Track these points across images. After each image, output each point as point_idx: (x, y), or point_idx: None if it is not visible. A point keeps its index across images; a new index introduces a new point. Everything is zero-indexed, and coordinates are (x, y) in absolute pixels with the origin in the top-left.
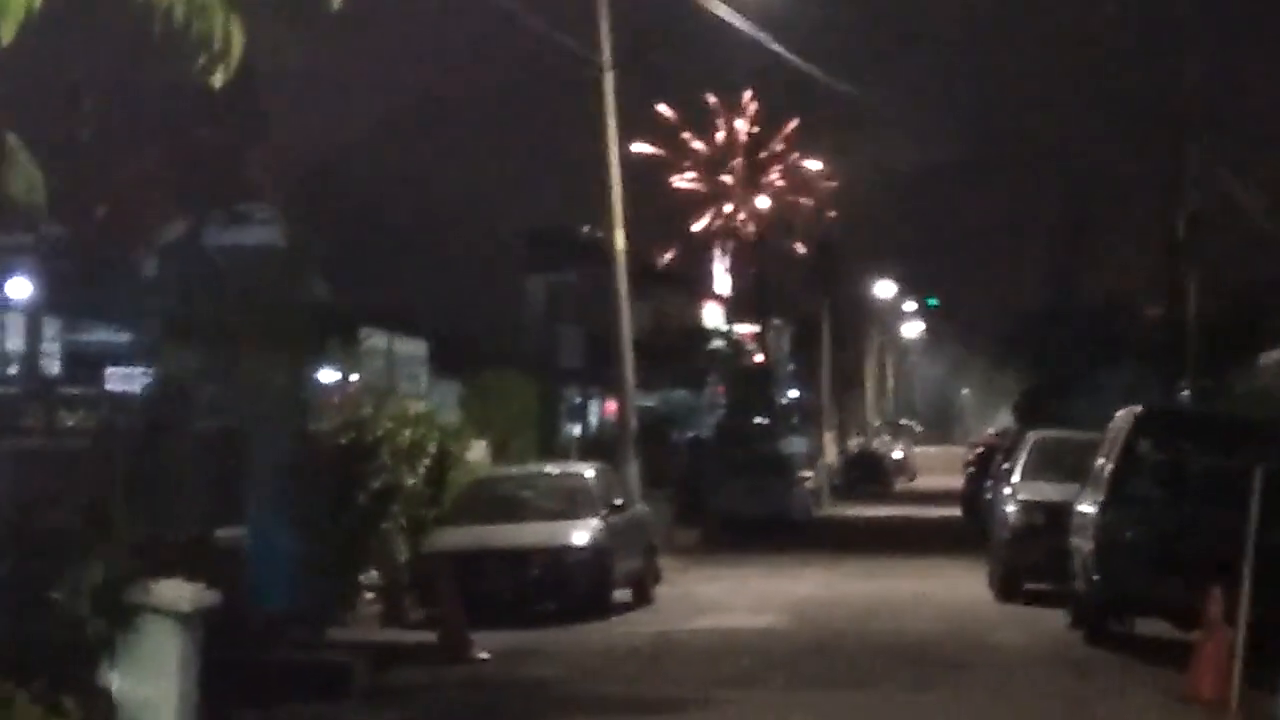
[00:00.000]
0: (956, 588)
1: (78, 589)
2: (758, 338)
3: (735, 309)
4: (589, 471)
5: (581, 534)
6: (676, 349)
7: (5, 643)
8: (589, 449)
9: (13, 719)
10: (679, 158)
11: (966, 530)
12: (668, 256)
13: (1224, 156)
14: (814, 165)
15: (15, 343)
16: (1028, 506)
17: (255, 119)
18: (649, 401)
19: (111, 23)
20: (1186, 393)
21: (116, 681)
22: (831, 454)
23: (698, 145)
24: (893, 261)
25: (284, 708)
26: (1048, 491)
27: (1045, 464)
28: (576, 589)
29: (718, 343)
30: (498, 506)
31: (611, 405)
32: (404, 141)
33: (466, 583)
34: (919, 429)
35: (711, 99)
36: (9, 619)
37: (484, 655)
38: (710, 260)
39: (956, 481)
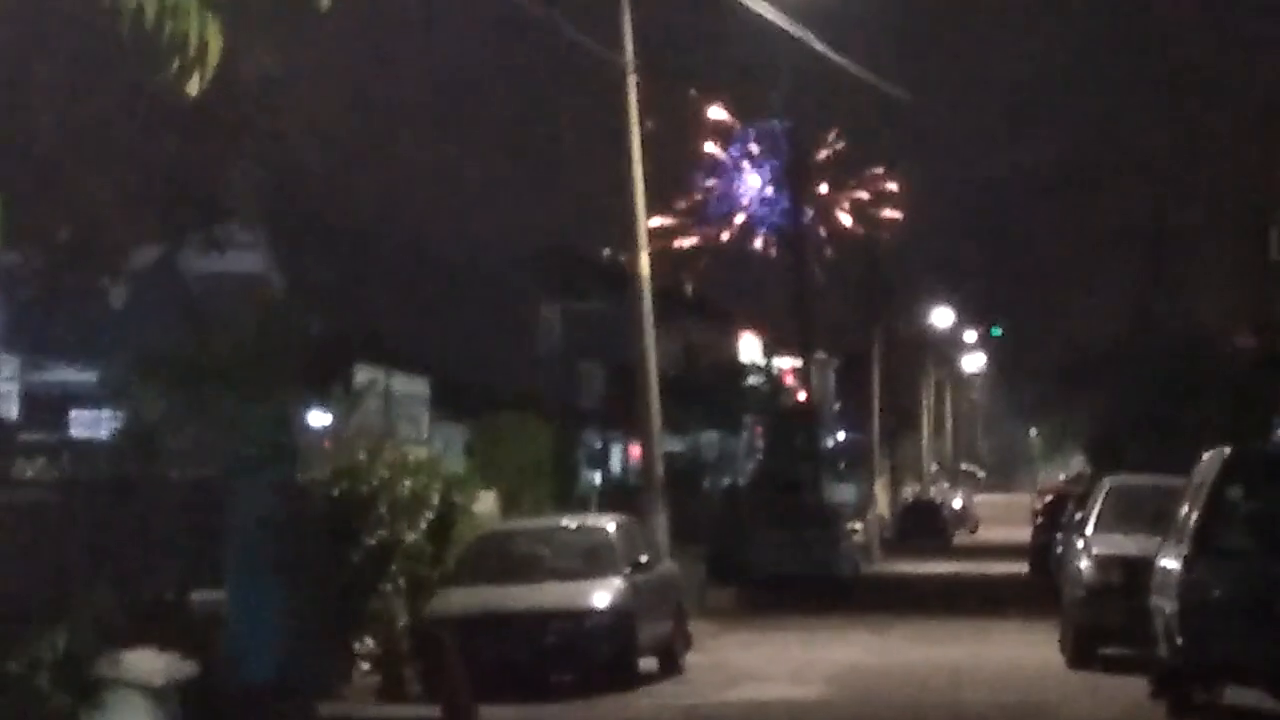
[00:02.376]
0: (1023, 653)
1: (38, 660)
2: (800, 373)
3: (775, 341)
4: (611, 525)
5: (603, 595)
6: (709, 386)
7: None
8: (611, 499)
9: None
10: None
11: (1035, 588)
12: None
13: None
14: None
15: None
16: (1103, 562)
17: (237, 131)
18: (678, 445)
19: (74, 25)
20: None
21: None
22: (883, 503)
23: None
24: (951, 286)
25: None
26: (1126, 545)
27: (1123, 514)
28: (597, 657)
29: (755, 379)
30: (509, 565)
31: (636, 450)
32: (405, 155)
33: (474, 651)
34: (981, 475)
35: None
36: None
37: None
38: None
39: (1023, 534)
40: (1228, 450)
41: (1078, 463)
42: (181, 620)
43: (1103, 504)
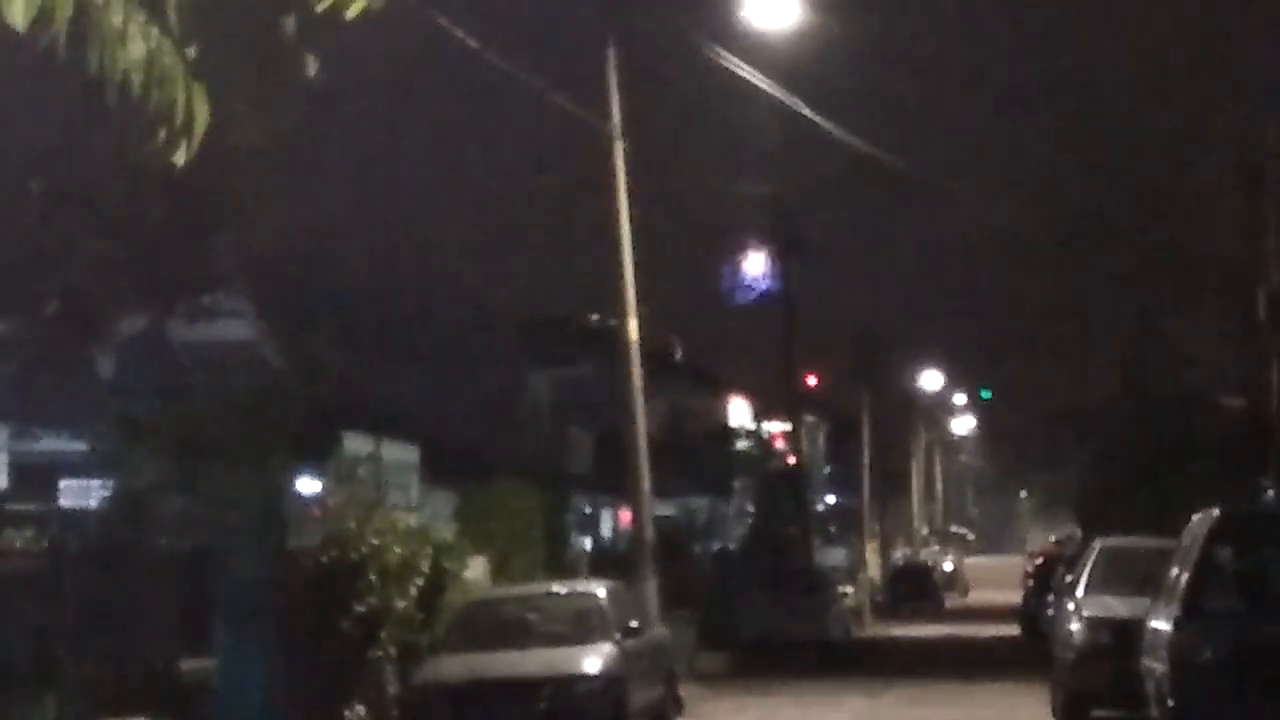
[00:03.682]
0: (1014, 716)
1: None
2: (789, 436)
3: (764, 405)
4: (601, 590)
5: (593, 661)
6: (698, 450)
7: None
8: (601, 564)
9: None
10: None
11: (1026, 651)
12: None
13: None
14: None
15: None
16: (1094, 624)
17: (224, 200)
18: (668, 510)
19: (61, 95)
20: (1270, 493)
21: None
22: (874, 567)
23: None
24: (940, 350)
25: None
26: (1116, 607)
27: (1113, 575)
28: None
29: (744, 443)
30: (499, 631)
31: (626, 515)
32: (390, 223)
33: (464, 718)
34: (972, 537)
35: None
36: None
37: None
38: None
39: (1015, 596)
40: (1216, 511)
41: (1068, 525)
42: (171, 689)
43: (1093, 566)
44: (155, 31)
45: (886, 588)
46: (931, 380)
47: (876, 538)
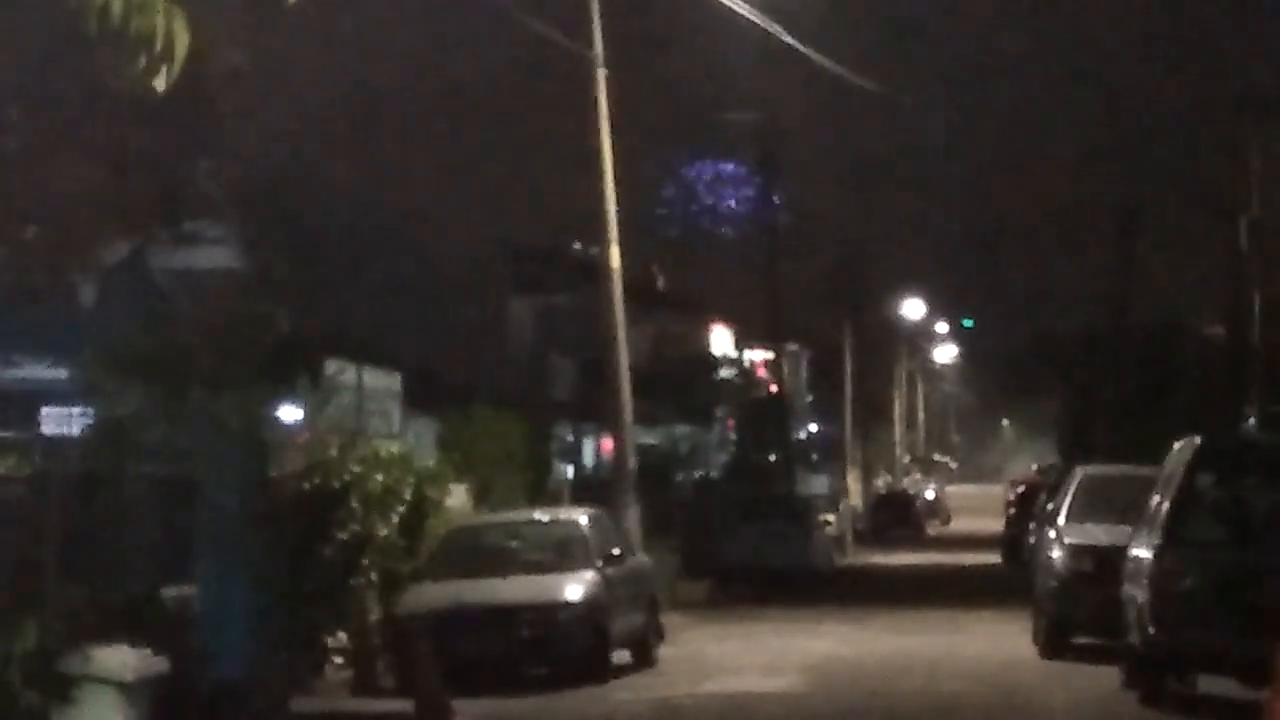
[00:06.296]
0: (996, 644)
1: (8, 657)
2: (771, 365)
3: (746, 333)
4: (583, 518)
5: (575, 589)
6: (680, 379)
7: None
8: (583, 492)
9: None
10: None
11: (1008, 579)
12: None
13: None
14: None
15: None
16: (1075, 551)
17: (205, 126)
18: (650, 438)
19: (40, 20)
20: (1251, 421)
21: None
22: (856, 495)
23: None
24: (922, 278)
25: None
26: (1098, 534)
27: (1094, 504)
28: (570, 650)
29: (727, 371)
30: (481, 559)
31: (608, 443)
32: (373, 150)
33: (446, 645)
34: (954, 466)
35: None
36: None
37: None
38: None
39: (996, 524)
40: (1198, 439)
41: (1050, 453)
42: (153, 616)
43: (1075, 494)
44: None
45: (868, 516)
46: (914, 309)
47: (858, 466)
